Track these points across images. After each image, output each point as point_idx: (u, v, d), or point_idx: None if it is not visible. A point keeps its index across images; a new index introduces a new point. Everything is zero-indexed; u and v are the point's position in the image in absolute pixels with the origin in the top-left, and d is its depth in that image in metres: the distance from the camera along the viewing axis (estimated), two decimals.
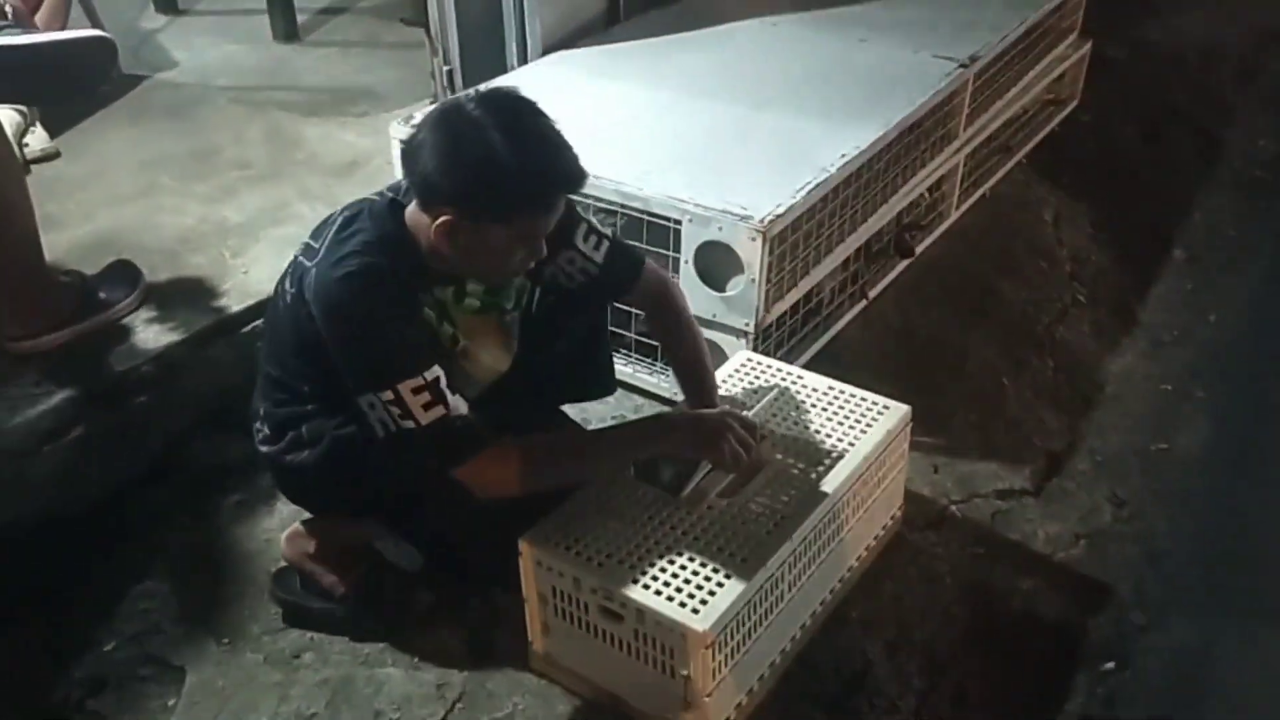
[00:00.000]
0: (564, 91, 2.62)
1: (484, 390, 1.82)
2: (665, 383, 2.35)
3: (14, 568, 1.94)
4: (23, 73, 1.97)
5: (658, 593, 1.58)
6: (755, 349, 2.19)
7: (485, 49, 2.98)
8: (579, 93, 2.68)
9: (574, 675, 1.77)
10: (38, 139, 3.09)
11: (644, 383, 2.39)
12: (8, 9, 1.98)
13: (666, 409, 2.26)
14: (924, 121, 2.65)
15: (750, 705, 1.72)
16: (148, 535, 2.06)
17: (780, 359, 2.14)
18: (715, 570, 1.61)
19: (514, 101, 1.58)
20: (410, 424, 1.55)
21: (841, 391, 2.00)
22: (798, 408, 1.96)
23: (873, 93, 2.63)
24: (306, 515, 1.95)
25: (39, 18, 2.10)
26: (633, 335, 2.36)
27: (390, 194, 1.67)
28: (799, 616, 1.81)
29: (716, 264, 2.19)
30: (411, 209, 1.63)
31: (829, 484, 1.78)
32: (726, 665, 1.61)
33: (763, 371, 2.06)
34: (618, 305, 2.04)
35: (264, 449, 1.80)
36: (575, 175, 1.57)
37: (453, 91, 2.94)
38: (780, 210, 2.14)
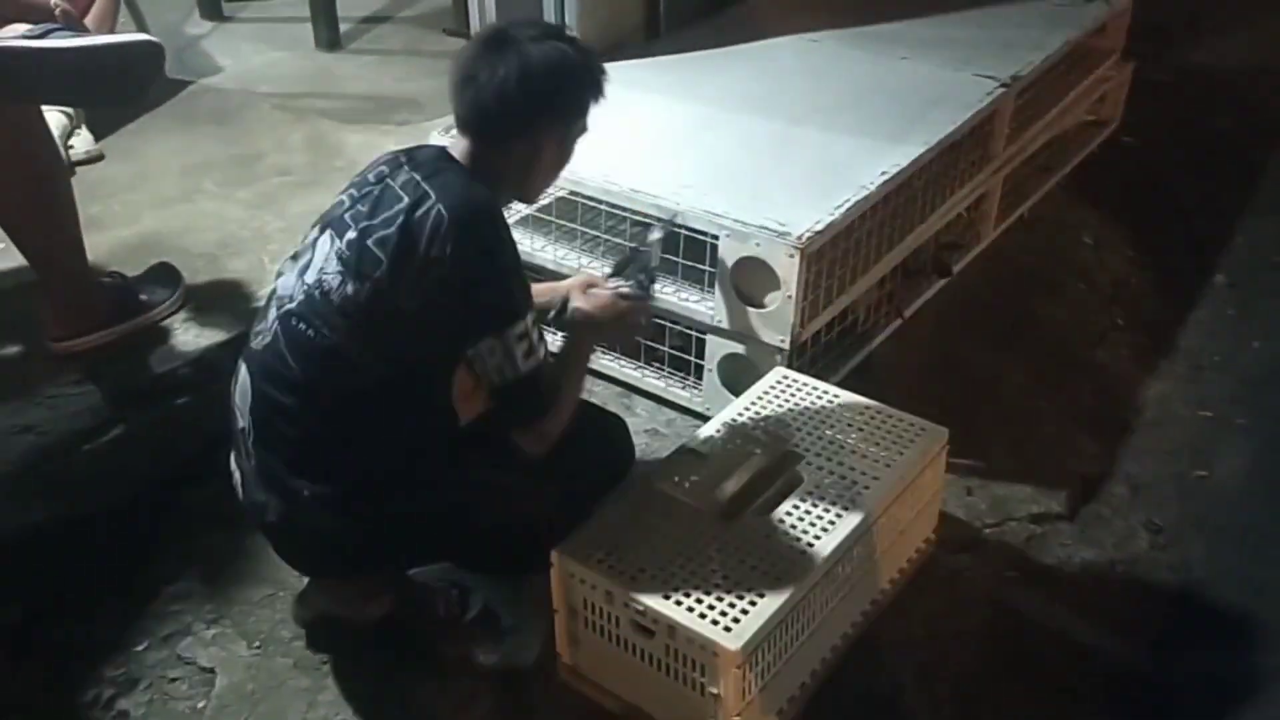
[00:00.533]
0: (603, 104, 2.61)
1: None
2: (698, 397, 2.35)
3: (50, 565, 1.96)
4: (73, 75, 1.98)
5: (690, 609, 1.58)
6: (789, 366, 2.18)
7: None
8: (618, 106, 2.63)
9: (601, 689, 1.76)
10: (83, 141, 3.13)
11: (677, 397, 2.39)
12: (57, 11, 2.00)
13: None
14: (963, 141, 2.63)
15: None
16: (183, 536, 2.08)
17: (813, 376, 2.13)
18: (748, 589, 1.61)
19: (512, 26, 1.64)
20: (533, 363, 1.57)
21: (879, 412, 1.99)
22: (834, 426, 1.95)
23: (913, 111, 2.62)
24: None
25: (89, 20, 2.12)
26: (665, 349, 2.37)
27: (410, 152, 1.65)
28: (830, 638, 1.80)
29: (753, 279, 2.19)
30: (467, 149, 1.62)
31: (864, 505, 1.77)
32: (757, 685, 1.60)
33: (800, 389, 2.05)
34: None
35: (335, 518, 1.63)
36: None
37: None
38: (819, 227, 2.13)
